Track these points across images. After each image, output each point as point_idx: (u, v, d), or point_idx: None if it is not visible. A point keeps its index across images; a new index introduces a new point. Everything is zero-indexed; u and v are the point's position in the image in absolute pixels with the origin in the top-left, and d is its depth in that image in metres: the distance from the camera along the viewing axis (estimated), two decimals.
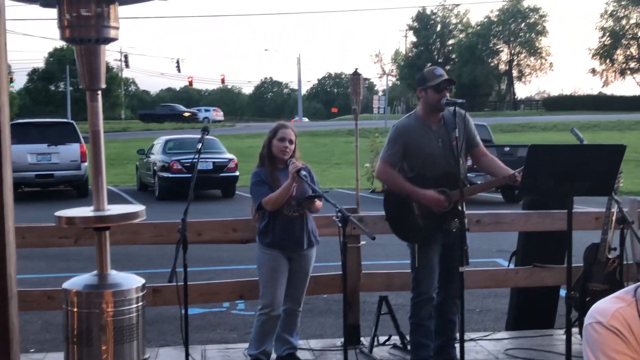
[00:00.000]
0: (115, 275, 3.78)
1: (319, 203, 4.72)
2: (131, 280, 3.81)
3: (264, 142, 4.83)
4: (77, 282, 3.75)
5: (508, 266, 6.09)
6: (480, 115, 56.55)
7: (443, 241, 4.71)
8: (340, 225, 4.25)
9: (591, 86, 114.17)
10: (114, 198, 17.26)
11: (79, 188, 18.22)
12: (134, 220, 3.73)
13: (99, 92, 3.71)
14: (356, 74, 5.76)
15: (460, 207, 4.36)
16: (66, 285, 3.74)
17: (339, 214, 4.28)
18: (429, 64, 75.74)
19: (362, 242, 5.47)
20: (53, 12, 3.72)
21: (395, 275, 5.67)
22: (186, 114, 58.37)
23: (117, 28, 3.68)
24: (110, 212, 3.68)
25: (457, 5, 76.76)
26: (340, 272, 4.52)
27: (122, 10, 3.79)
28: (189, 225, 4.58)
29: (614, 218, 5.16)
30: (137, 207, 3.80)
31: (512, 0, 73.39)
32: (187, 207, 4.39)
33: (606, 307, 2.03)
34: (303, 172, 4.53)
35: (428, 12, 77.11)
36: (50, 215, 3.85)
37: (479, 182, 4.94)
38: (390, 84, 75.11)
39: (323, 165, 28.92)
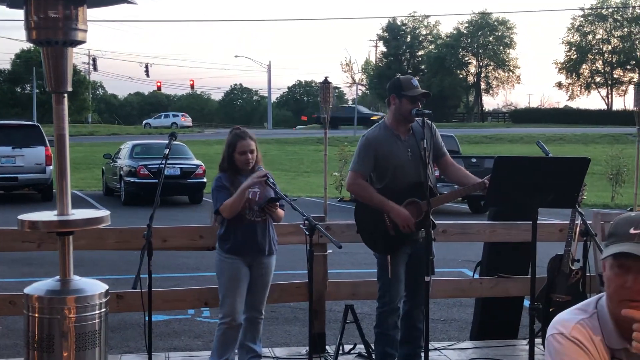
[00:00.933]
0: (78, 281, 3.73)
1: (281, 211, 4.68)
2: (94, 286, 3.75)
3: (223, 153, 4.71)
4: (39, 287, 3.68)
5: (473, 276, 6.13)
6: (448, 126, 56.98)
7: (410, 251, 4.72)
8: (307, 233, 4.25)
9: (557, 99, 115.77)
10: (79, 202, 17.06)
11: (44, 191, 17.95)
12: (98, 225, 3.68)
13: (65, 95, 3.66)
14: (326, 82, 5.78)
15: (430, 218, 4.38)
16: (28, 290, 3.68)
17: (307, 222, 4.28)
18: (399, 74, 76.20)
19: (329, 251, 5.47)
20: (20, 13, 3.67)
21: (362, 284, 5.68)
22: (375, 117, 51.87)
23: (84, 31, 3.64)
24: (74, 216, 3.63)
25: (428, 16, 77.42)
26: (306, 281, 4.52)
27: (91, 13, 3.75)
28: (155, 232, 4.54)
29: (577, 230, 5.24)
30: (102, 212, 3.75)
31: (480, 13, 74.18)
32: (153, 213, 4.35)
33: (568, 319, 2.05)
34: (271, 179, 4.52)
35: (398, 22, 77.59)
36: (13, 219, 3.79)
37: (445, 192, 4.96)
38: (360, 93, 75.38)
39: (292, 173, 28.93)
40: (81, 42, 3.67)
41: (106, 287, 3.82)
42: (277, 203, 4.58)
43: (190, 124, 63.82)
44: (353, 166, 4.78)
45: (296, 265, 6.12)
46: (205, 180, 17.89)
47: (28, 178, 17.43)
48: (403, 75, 4.91)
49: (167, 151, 4.60)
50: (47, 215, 3.68)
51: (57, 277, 3.74)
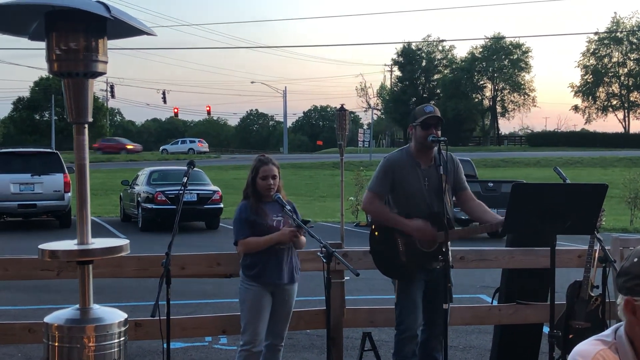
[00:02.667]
0: (98, 310, 3.75)
1: (303, 239, 4.72)
2: (113, 315, 3.78)
3: (247, 180, 4.81)
4: (58, 316, 3.71)
5: (492, 303, 6.09)
6: (465, 150, 56.95)
7: (427, 278, 4.71)
8: (324, 260, 4.26)
9: (574, 122, 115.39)
10: (97, 229, 17.14)
11: (62, 218, 18.07)
12: (117, 254, 3.71)
13: (86, 125, 3.72)
14: (342, 109, 5.83)
15: (444, 248, 4.38)
16: (48, 319, 3.71)
17: (324, 250, 4.29)
18: (414, 99, 76.43)
19: (346, 278, 5.47)
20: (39, 42, 3.74)
21: (379, 311, 5.66)
22: None
23: (105, 62, 3.70)
24: (94, 245, 3.67)
25: (442, 41, 77.65)
26: (324, 308, 4.53)
27: (110, 41, 3.82)
28: (173, 259, 4.57)
29: (596, 256, 5.20)
30: (121, 241, 3.79)
31: (494, 38, 74.27)
32: (172, 241, 4.38)
33: (588, 349, 2.05)
34: (288, 208, 4.54)
35: (413, 47, 77.85)
36: (32, 246, 3.83)
37: (463, 219, 4.98)
38: (375, 117, 75.54)
39: (308, 197, 28.94)
40: (102, 73, 3.73)
41: (125, 315, 3.84)
42: (301, 232, 4.62)
43: (207, 149, 64.22)
44: (370, 186, 4.83)
45: (313, 291, 6.11)
46: (222, 205, 17.94)
47: (46, 205, 17.55)
48: (419, 101, 4.95)
49: (185, 179, 4.65)
50: (67, 245, 3.72)
51: (77, 306, 3.77)
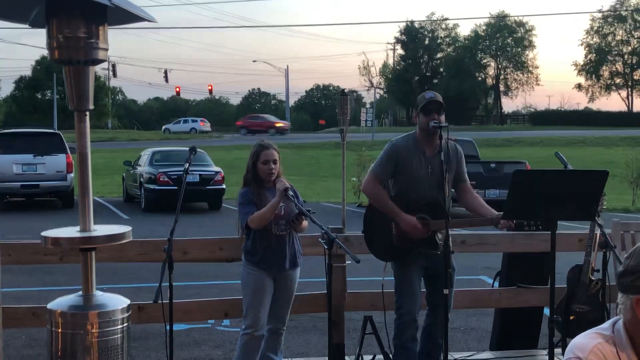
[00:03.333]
0: (101, 296, 3.78)
1: (305, 223, 4.74)
2: (116, 301, 3.81)
3: (247, 165, 4.81)
4: (61, 302, 3.74)
5: (492, 285, 6.12)
6: (468, 129, 56.81)
7: (426, 264, 4.74)
8: (326, 247, 4.28)
9: (578, 100, 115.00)
10: (100, 209, 17.19)
11: (65, 199, 18.13)
12: (120, 241, 3.74)
13: (87, 113, 3.73)
14: (344, 94, 5.80)
15: (439, 235, 4.41)
16: (51, 305, 3.74)
17: (325, 236, 4.31)
18: (417, 78, 76.13)
19: (348, 262, 5.49)
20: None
21: (380, 295, 5.67)
22: None
23: (105, 49, 3.70)
24: (96, 232, 3.69)
25: (445, 19, 77.25)
26: (325, 292, 4.56)
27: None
28: (175, 244, 4.59)
29: (597, 240, 5.22)
30: (124, 228, 3.81)
31: (498, 16, 73.86)
32: (174, 228, 4.39)
33: (585, 343, 2.06)
34: (291, 193, 4.55)
35: (417, 25, 77.47)
36: (35, 227, 3.85)
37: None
38: (378, 96, 75.38)
39: (310, 177, 28.95)
40: (102, 60, 3.73)
41: (128, 301, 3.87)
42: (303, 217, 4.63)
43: (209, 129, 64.08)
44: (373, 168, 4.85)
45: (315, 273, 6.13)
46: (224, 186, 17.97)
47: (49, 185, 17.61)
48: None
49: (187, 165, 4.66)
50: (70, 232, 3.74)
51: (80, 293, 3.80)
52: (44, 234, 3.68)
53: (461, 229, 6.09)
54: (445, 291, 4.30)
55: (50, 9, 3.63)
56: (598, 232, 5.09)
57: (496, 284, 6.18)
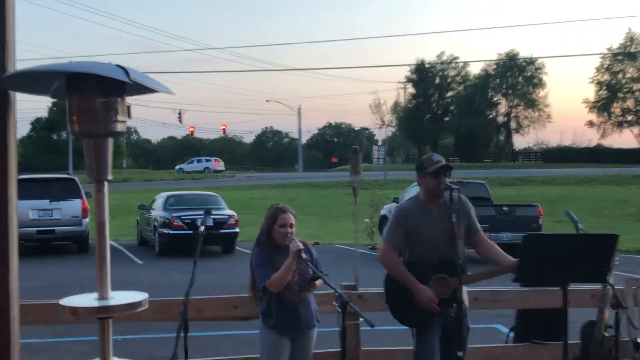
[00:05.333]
0: None
1: (319, 282, 4.78)
2: None
3: (262, 227, 4.86)
4: None
5: (507, 335, 6.17)
6: (480, 166, 56.84)
7: (443, 323, 4.76)
8: (339, 310, 4.31)
9: (589, 137, 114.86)
10: (115, 254, 17.25)
11: (80, 243, 18.27)
12: (137, 309, 3.78)
13: (105, 183, 3.81)
14: (355, 152, 5.89)
15: (458, 294, 4.43)
16: None
17: (338, 299, 4.35)
18: (428, 115, 76.36)
19: (361, 319, 5.50)
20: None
21: (396, 352, 5.70)
22: None
23: (124, 122, 3.80)
24: (113, 301, 3.75)
25: (455, 58, 77.73)
26: (339, 350, 4.58)
27: None
28: (190, 302, 4.64)
29: (609, 297, 5.22)
30: (141, 295, 3.86)
31: (506, 57, 74.20)
32: (189, 290, 4.44)
33: None
34: (304, 256, 4.59)
35: (427, 64, 78.00)
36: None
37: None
38: (389, 134, 75.64)
39: (322, 217, 28.97)
40: (121, 132, 3.82)
41: None
42: (317, 281, 4.67)
43: (223, 167, 64.46)
44: (386, 237, 4.89)
45: (328, 324, 6.15)
46: (237, 230, 18.02)
47: (65, 231, 17.75)
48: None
49: (202, 229, 4.73)
50: (88, 300, 3.80)
51: (97, 359, 3.84)
52: (61, 302, 3.74)
53: (475, 284, 6.11)
54: (459, 353, 4.32)
55: (70, 83, 3.75)
56: (610, 292, 5.10)
57: (512, 334, 6.21)
